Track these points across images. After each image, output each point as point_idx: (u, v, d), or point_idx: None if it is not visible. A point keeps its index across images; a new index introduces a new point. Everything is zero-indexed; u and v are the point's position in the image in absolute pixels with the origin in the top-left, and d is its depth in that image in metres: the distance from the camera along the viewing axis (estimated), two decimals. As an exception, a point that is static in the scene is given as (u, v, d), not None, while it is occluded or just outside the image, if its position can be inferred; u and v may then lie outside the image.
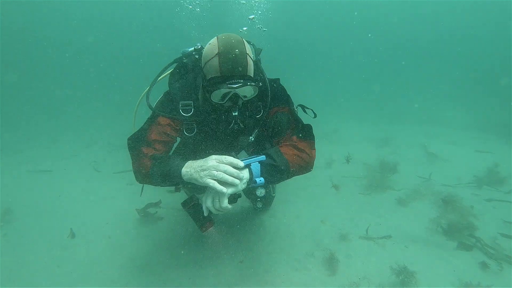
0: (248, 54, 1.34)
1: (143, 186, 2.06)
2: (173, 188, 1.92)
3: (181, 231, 2.35)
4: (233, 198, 1.29)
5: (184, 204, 1.58)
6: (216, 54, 1.28)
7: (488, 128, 6.31)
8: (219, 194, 1.23)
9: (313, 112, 1.69)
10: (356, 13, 18.50)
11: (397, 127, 6.97)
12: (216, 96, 1.37)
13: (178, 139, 1.78)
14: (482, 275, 1.92)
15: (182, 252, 2.06)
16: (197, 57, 1.73)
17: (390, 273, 1.86)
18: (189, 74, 1.67)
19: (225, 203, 1.24)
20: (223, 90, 1.32)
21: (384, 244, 2.23)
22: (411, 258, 2.04)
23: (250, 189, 2.15)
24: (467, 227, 2.36)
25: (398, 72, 17.71)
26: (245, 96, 1.40)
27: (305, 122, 1.60)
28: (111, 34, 17.50)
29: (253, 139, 1.64)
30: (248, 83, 1.32)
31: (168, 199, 2.82)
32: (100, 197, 3.08)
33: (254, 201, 2.31)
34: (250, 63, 1.34)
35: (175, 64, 1.76)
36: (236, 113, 1.40)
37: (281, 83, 1.69)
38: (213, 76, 1.31)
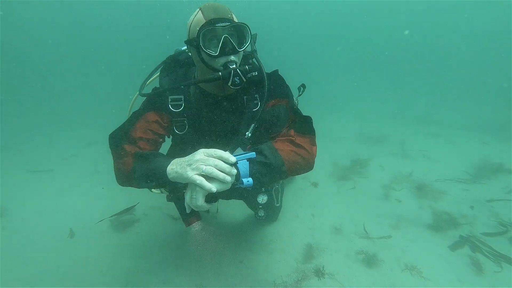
0: (232, 13, 1.32)
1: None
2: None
3: (181, 231, 2.35)
4: (212, 197, 1.12)
5: (171, 193, 1.55)
6: (199, 10, 1.28)
7: (488, 129, 6.32)
8: (196, 190, 1.09)
9: (302, 86, 1.61)
10: (357, 13, 18.52)
11: (396, 127, 6.97)
12: (206, 45, 1.26)
13: (168, 140, 1.67)
14: (481, 274, 1.92)
15: (186, 257, 2.06)
16: (190, 54, 1.60)
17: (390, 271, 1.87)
18: (180, 69, 1.58)
19: (201, 201, 1.08)
20: (212, 32, 1.24)
21: (383, 243, 2.23)
22: (409, 256, 2.05)
23: (250, 197, 2.06)
24: (453, 222, 2.46)
25: (398, 71, 17.69)
26: (239, 44, 1.29)
27: (304, 114, 1.47)
28: (112, 34, 17.50)
29: (250, 134, 1.45)
30: (237, 22, 1.26)
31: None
32: (100, 196, 3.08)
33: (256, 209, 2.14)
34: (235, 16, 1.32)
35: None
36: (234, 66, 1.26)
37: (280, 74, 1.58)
38: (199, 27, 1.24)
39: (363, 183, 3.42)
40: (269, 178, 1.21)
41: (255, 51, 1.50)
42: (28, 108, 9.28)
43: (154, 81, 1.70)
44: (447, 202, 2.89)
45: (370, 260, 2.00)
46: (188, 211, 1.19)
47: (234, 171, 1.09)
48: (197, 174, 1.04)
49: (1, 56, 12.11)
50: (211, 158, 1.07)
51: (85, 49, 16.29)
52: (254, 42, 1.50)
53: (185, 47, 1.66)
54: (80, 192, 3.23)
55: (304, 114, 1.47)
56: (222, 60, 1.28)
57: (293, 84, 1.57)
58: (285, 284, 1.77)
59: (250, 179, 1.14)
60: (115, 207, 2.73)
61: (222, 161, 1.08)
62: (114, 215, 2.49)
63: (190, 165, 1.07)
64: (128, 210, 2.52)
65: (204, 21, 1.23)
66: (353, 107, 9.44)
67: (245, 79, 1.29)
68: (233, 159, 1.09)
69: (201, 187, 1.03)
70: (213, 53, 1.25)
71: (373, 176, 3.60)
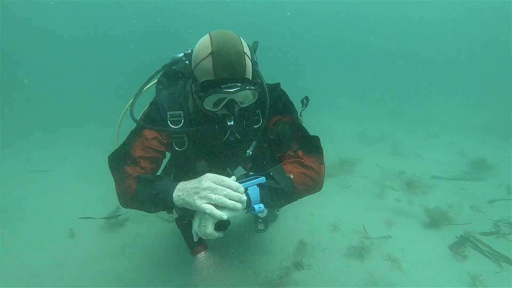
0: (246, 53, 1.16)
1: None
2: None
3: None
4: (222, 225, 1.07)
5: (177, 220, 1.50)
6: (209, 53, 1.10)
7: (487, 128, 6.33)
8: (205, 218, 1.05)
9: (306, 99, 1.54)
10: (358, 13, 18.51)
11: (396, 127, 6.97)
12: (209, 103, 1.17)
13: (167, 155, 1.58)
14: (479, 273, 1.92)
15: (186, 254, 2.06)
16: (187, 62, 1.49)
17: (390, 270, 1.86)
18: (178, 81, 1.48)
19: (210, 229, 1.04)
20: (218, 96, 1.14)
21: (383, 243, 2.24)
22: (408, 254, 2.05)
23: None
24: (449, 221, 2.49)
25: (399, 72, 17.69)
26: (242, 102, 1.21)
27: (311, 133, 1.41)
28: (112, 33, 17.50)
29: (251, 152, 1.41)
30: (247, 87, 1.13)
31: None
32: (100, 197, 3.07)
33: (255, 223, 2.15)
34: (249, 64, 1.16)
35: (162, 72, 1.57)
36: (232, 123, 1.18)
37: (282, 87, 1.50)
38: (205, 79, 1.13)
39: (360, 182, 3.44)
40: (279, 202, 1.20)
41: (256, 62, 1.37)
42: (28, 108, 9.28)
43: (150, 93, 1.61)
44: (444, 200, 2.89)
45: (362, 255, 2.05)
46: (195, 239, 1.15)
47: (245, 197, 1.06)
48: (206, 203, 1.01)
49: (1, 56, 12.12)
50: (219, 186, 1.03)
51: (85, 49, 16.29)
52: (255, 51, 1.39)
53: (181, 54, 1.56)
54: (80, 192, 3.23)
55: (305, 120, 1.47)
56: (221, 111, 1.21)
57: (292, 89, 1.53)
58: (270, 281, 1.76)
59: (262, 205, 1.11)
60: (115, 207, 2.73)
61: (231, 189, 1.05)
62: (103, 218, 2.49)
63: (197, 193, 1.03)
64: (117, 216, 2.52)
65: (213, 77, 1.11)
66: (351, 107, 9.45)
67: (241, 137, 1.27)
68: (242, 189, 1.06)
69: (211, 215, 1.00)
70: (215, 110, 1.19)
71: (371, 175, 3.62)
